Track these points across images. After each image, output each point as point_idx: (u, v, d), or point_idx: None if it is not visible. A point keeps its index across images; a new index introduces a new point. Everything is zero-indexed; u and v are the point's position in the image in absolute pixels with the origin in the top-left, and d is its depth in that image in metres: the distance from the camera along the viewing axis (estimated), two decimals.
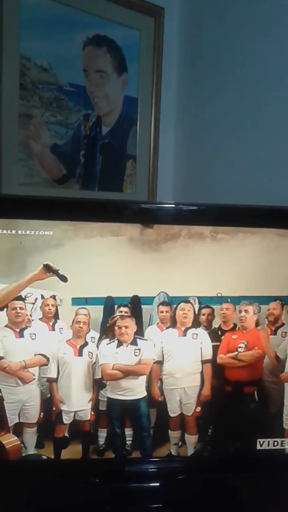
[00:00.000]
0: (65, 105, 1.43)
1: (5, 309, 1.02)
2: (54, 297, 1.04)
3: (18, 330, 1.04)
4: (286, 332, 1.10)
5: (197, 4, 1.60)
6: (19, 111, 1.35)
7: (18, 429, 1.05)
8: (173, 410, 1.09)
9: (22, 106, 1.35)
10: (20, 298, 1.03)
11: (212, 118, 1.55)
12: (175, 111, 1.67)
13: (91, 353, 1.06)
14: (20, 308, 1.03)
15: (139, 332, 1.06)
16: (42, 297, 1.04)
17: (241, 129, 1.46)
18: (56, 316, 1.05)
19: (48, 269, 1.00)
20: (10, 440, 1.04)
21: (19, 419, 1.05)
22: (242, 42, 1.45)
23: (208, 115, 1.57)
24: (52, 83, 1.40)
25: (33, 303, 1.04)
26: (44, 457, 1.07)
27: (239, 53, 1.46)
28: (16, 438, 1.04)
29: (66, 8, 1.38)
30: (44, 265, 1.00)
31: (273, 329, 1.10)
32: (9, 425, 1.04)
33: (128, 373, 1.05)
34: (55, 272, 1.00)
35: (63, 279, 1.01)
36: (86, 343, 1.06)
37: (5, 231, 0.99)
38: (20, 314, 1.03)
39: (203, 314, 1.08)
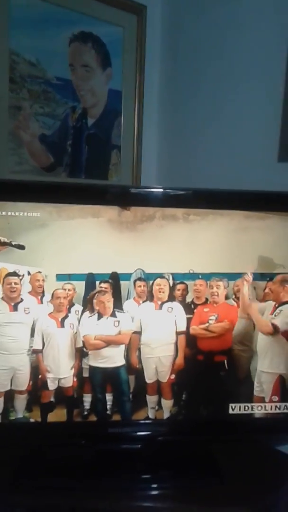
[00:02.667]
0: (53, 97, 1.50)
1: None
2: (40, 273, 1.13)
3: (12, 304, 1.13)
4: None
5: (177, 2, 1.67)
6: (9, 103, 1.41)
7: (9, 395, 1.14)
8: (150, 377, 1.18)
9: (12, 98, 1.42)
10: (15, 274, 1.11)
11: (192, 109, 1.63)
12: (157, 103, 1.74)
13: (72, 324, 1.15)
14: (15, 283, 1.12)
15: (118, 306, 1.15)
16: (29, 273, 1.13)
17: (219, 120, 1.54)
18: (43, 291, 1.14)
19: None
20: None
21: (10, 386, 1.14)
22: (219, 37, 1.53)
23: (188, 107, 1.65)
24: (40, 77, 1.47)
25: (21, 279, 1.13)
26: (32, 420, 1.16)
27: (217, 48, 1.54)
28: None
29: (53, 6, 1.45)
30: None
31: None
32: (0, 391, 1.13)
33: (109, 343, 1.15)
34: (6, 243, 1.08)
35: (20, 247, 1.09)
36: (67, 316, 1.15)
37: None
38: (14, 289, 1.12)
39: (178, 290, 1.17)
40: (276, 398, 1.20)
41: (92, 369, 1.16)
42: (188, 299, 1.19)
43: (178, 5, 1.66)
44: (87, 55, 1.56)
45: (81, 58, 1.54)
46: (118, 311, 1.15)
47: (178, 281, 1.17)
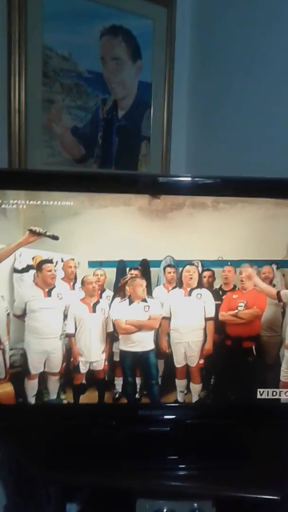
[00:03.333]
0: (84, 90, 1.53)
1: (35, 270, 1.16)
2: (73, 259, 1.17)
3: (47, 290, 1.17)
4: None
5: None
6: (42, 96, 1.45)
7: (43, 377, 1.19)
8: (179, 362, 1.21)
9: (45, 92, 1.46)
10: (51, 261, 1.16)
11: (222, 100, 1.64)
12: (187, 95, 1.76)
13: (104, 309, 1.19)
14: (55, 270, 1.16)
15: (148, 292, 1.18)
16: (62, 260, 1.17)
17: (248, 111, 1.55)
18: (75, 277, 1.18)
19: (33, 232, 1.11)
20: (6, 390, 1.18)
21: (44, 368, 1.19)
22: (251, 29, 1.52)
23: (217, 98, 1.65)
24: (72, 70, 1.50)
25: (55, 265, 1.18)
26: (65, 401, 1.21)
27: (248, 39, 1.54)
28: (11, 387, 1.18)
29: (85, 1, 1.48)
30: (28, 229, 1.11)
31: None
32: (34, 373, 1.19)
33: (140, 327, 1.18)
34: (42, 234, 1.11)
35: (54, 238, 1.12)
36: (98, 301, 1.19)
37: (31, 202, 1.12)
38: (54, 276, 1.16)
39: (204, 277, 1.20)
40: None
41: (123, 353, 1.20)
42: (216, 285, 1.21)
43: None
44: (117, 48, 1.58)
45: (112, 51, 1.57)
46: (148, 297, 1.18)
47: (205, 268, 1.19)
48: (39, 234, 1.12)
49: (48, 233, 1.13)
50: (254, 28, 1.52)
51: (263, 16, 1.49)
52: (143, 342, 1.19)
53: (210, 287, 1.20)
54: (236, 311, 1.20)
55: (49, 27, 1.44)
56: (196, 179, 1.16)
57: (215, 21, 1.65)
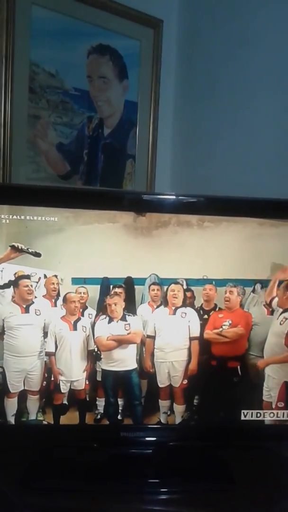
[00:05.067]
0: (70, 107, 1.54)
1: (12, 286, 1.13)
2: (56, 276, 1.14)
3: (24, 306, 1.15)
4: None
5: (193, 17, 1.71)
6: (28, 112, 1.46)
7: (23, 396, 1.16)
8: (162, 382, 1.19)
9: (31, 108, 1.46)
10: (28, 277, 1.13)
11: (206, 120, 1.66)
12: (172, 114, 1.78)
13: (85, 327, 1.16)
14: (31, 286, 1.13)
15: (131, 310, 1.17)
16: (45, 276, 1.15)
17: (232, 131, 1.57)
18: (58, 294, 1.16)
19: (15, 249, 1.09)
20: None
21: (24, 387, 1.15)
22: (233, 50, 1.56)
23: (202, 118, 1.68)
24: (58, 87, 1.51)
25: (37, 282, 1.15)
26: (45, 422, 1.17)
27: (231, 60, 1.57)
28: None
29: (72, 20, 1.50)
30: (10, 246, 1.09)
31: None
32: (13, 391, 1.15)
33: (120, 342, 1.15)
34: (24, 250, 1.09)
35: (36, 255, 1.10)
36: (79, 318, 1.16)
37: (14, 217, 1.10)
38: (31, 291, 1.13)
39: (188, 297, 1.18)
40: (281, 404, 1.20)
41: (104, 372, 1.17)
42: (197, 304, 1.20)
43: (193, 20, 1.71)
44: (104, 67, 1.60)
45: (98, 69, 1.59)
46: (128, 315, 1.16)
47: (186, 288, 1.18)
48: (21, 251, 1.10)
49: (30, 250, 1.11)
50: (239, 49, 1.55)
51: (248, 37, 1.52)
52: (125, 361, 1.17)
53: (191, 307, 1.19)
54: (221, 329, 1.19)
55: (37, 44, 1.45)
56: (180, 197, 1.16)
57: (201, 42, 1.69)
